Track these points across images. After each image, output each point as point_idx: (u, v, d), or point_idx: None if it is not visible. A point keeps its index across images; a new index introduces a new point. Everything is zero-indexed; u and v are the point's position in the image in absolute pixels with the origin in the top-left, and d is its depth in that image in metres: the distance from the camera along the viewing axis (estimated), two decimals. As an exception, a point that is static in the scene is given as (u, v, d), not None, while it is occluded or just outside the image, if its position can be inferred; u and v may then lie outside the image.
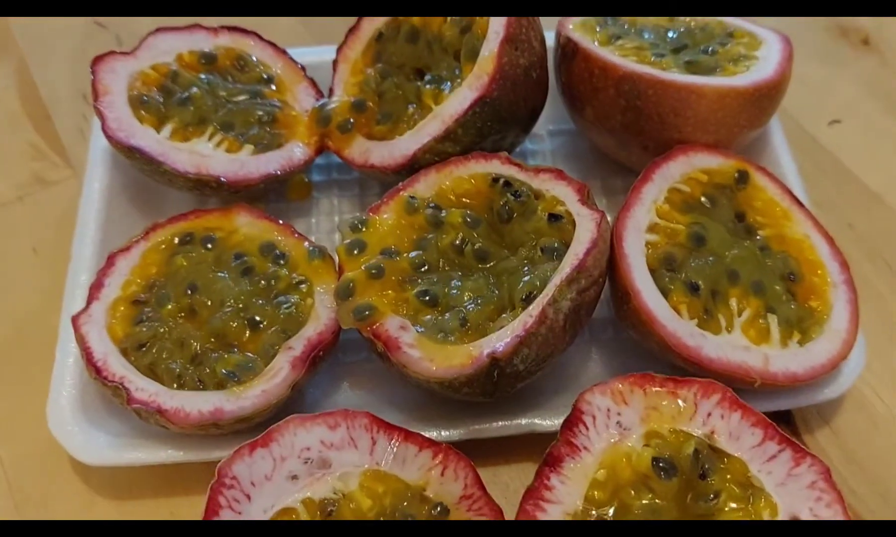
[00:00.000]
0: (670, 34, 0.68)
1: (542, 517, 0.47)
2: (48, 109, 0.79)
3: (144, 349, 0.55)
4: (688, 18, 0.69)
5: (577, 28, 0.67)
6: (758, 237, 0.60)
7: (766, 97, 0.62)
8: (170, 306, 0.57)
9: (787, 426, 0.61)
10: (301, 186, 0.70)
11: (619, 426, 0.49)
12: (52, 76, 0.81)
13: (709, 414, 0.49)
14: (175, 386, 0.54)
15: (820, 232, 0.61)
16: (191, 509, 0.57)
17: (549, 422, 0.56)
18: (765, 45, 0.66)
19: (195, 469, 0.58)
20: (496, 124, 0.61)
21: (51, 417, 0.55)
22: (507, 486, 0.58)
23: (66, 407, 0.55)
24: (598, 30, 0.67)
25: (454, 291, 0.55)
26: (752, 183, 0.61)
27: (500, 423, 0.56)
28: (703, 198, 0.60)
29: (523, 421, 0.56)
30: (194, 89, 0.65)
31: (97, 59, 0.64)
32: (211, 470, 0.48)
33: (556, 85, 0.69)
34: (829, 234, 0.61)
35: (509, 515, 0.50)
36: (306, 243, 0.60)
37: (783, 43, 0.66)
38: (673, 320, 0.54)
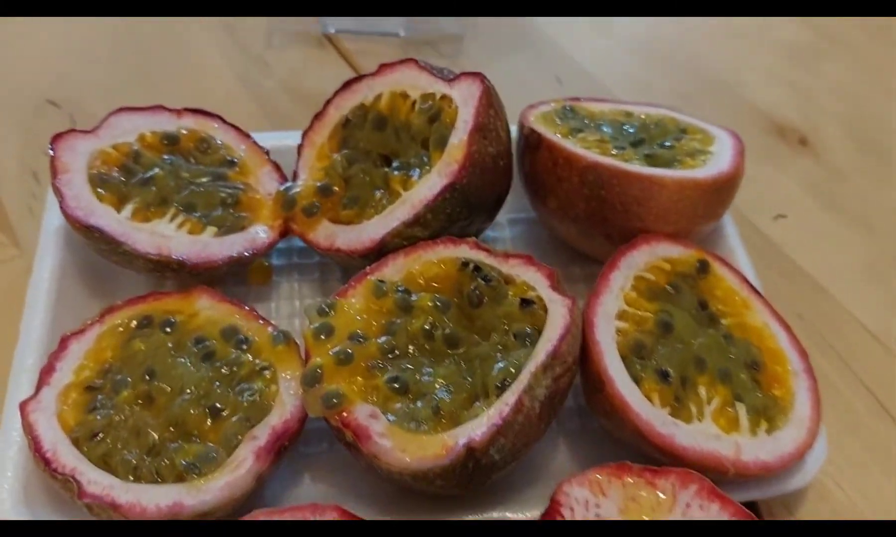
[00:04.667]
0: (626, 128, 0.70)
1: (521, 614, 0.45)
2: (-5, 187, 0.76)
3: (98, 439, 0.52)
4: (642, 113, 0.72)
5: (539, 120, 0.69)
6: (721, 324, 0.61)
7: (723, 189, 0.64)
8: (125, 393, 0.54)
9: (754, 515, 0.61)
10: (262, 270, 0.69)
11: (598, 518, 0.48)
12: (1, 155, 0.79)
13: (688, 505, 0.49)
14: (131, 478, 0.50)
15: (778, 321, 0.62)
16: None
17: (520, 516, 0.54)
18: (717, 141, 0.69)
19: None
20: (465, 210, 0.62)
21: (-11, 513, 0.51)
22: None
23: (7, 501, 0.51)
24: (558, 122, 0.69)
25: (426, 378, 0.54)
26: (712, 272, 0.63)
27: (470, 517, 0.54)
28: (667, 287, 0.61)
29: (495, 515, 0.55)
30: (156, 170, 0.64)
31: (57, 137, 0.62)
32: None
33: (517, 174, 0.70)
34: (787, 323, 0.63)
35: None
36: (270, 328, 0.59)
37: (734, 139, 0.69)
38: (646, 408, 0.54)
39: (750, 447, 0.55)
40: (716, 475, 0.53)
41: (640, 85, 0.97)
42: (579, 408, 0.64)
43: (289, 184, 0.67)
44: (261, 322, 0.59)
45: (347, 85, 0.69)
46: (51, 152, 0.61)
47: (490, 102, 0.62)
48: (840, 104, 0.96)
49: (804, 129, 0.93)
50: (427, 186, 0.61)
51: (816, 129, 0.93)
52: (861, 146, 0.92)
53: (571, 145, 0.64)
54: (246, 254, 0.63)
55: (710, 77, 0.99)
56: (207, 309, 0.59)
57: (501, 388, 0.52)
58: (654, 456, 0.54)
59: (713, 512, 0.48)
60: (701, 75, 0.99)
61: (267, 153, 0.70)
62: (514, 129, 0.69)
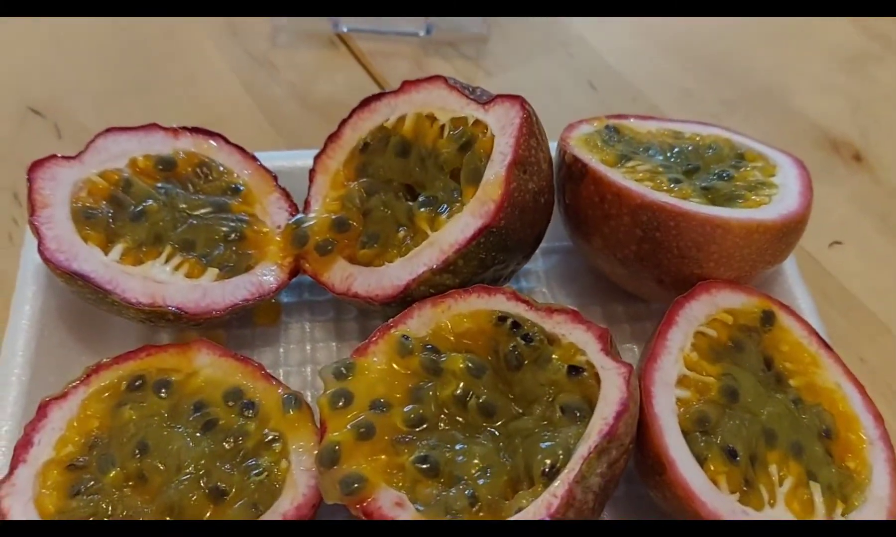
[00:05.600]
0: (678, 152, 0.62)
1: None
2: (-28, 209, 0.68)
3: (81, 530, 0.45)
4: (694, 135, 0.65)
5: (581, 144, 0.62)
6: (789, 385, 0.54)
7: (793, 231, 0.57)
8: (114, 473, 0.47)
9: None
10: (269, 310, 0.62)
11: None
12: (-22, 169, 0.71)
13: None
14: (119, 581, 0.44)
15: (850, 379, 0.55)
16: None
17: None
18: (780, 170, 0.61)
19: None
20: (500, 254, 0.54)
21: (-45, 616, 0.44)
22: None
23: (-24, 603, 0.44)
24: (601, 146, 0.62)
25: (459, 458, 0.47)
26: (777, 324, 0.56)
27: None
28: (729, 343, 0.54)
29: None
30: (149, 201, 0.56)
31: (35, 165, 0.54)
32: None
33: (556, 203, 0.62)
34: (859, 381, 0.55)
35: None
36: (280, 389, 0.52)
37: (799, 168, 0.61)
38: (713, 496, 0.47)
39: None
40: (792, 575, 0.46)
41: (681, 92, 0.89)
42: (626, 472, 0.57)
43: (300, 216, 0.59)
44: (270, 382, 0.52)
45: (366, 103, 0.61)
46: (28, 182, 0.54)
47: (531, 131, 0.55)
48: (896, 114, 0.88)
49: (858, 142, 0.85)
50: (459, 228, 0.53)
51: (871, 143, 0.85)
52: (921, 162, 0.84)
53: (621, 178, 0.57)
54: (251, 300, 0.56)
55: (754, 83, 0.90)
56: (207, 366, 0.52)
57: (548, 475, 0.45)
58: (719, 547, 0.47)
59: None
60: (744, 81, 0.90)
61: (275, 178, 0.62)
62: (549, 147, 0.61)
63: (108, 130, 0.58)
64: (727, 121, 0.81)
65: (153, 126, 0.60)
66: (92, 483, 0.47)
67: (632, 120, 0.66)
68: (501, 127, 0.55)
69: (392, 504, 0.45)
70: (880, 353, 0.69)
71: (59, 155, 0.56)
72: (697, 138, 0.65)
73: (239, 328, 0.61)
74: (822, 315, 0.62)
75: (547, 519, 0.43)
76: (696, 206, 0.55)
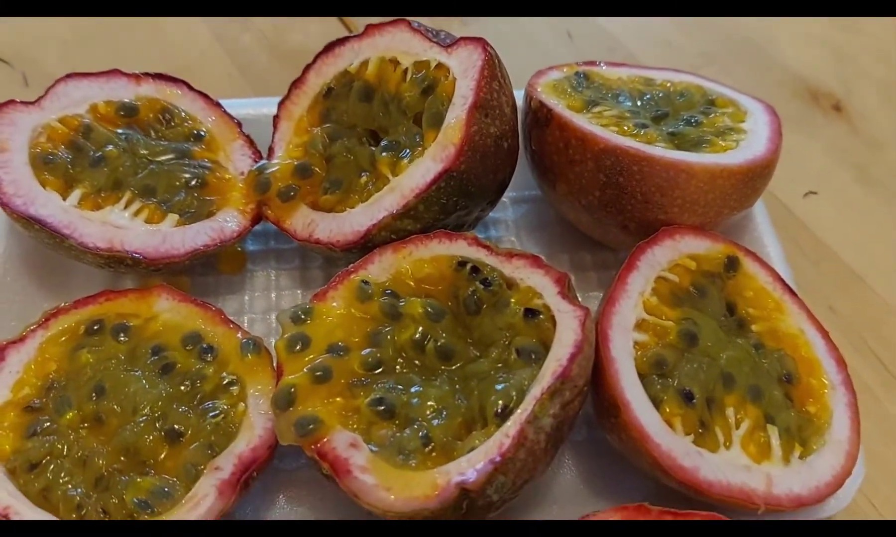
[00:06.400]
0: (647, 99, 0.62)
1: None
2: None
3: (37, 470, 0.45)
4: (665, 82, 0.64)
5: (549, 90, 0.61)
6: (751, 331, 0.54)
7: (758, 176, 0.56)
8: (70, 414, 0.47)
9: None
10: (234, 257, 0.62)
11: (609, 568, 0.42)
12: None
13: (713, 556, 0.42)
14: (74, 517, 0.44)
15: (814, 325, 0.55)
16: None
17: (521, 548, 0.48)
18: (750, 116, 0.61)
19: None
20: (462, 200, 0.54)
21: (-87, 554, 0.44)
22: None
23: (-67, 542, 0.45)
24: (569, 92, 0.61)
25: (414, 400, 0.47)
26: (741, 270, 0.56)
27: None
28: (692, 289, 0.54)
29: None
30: (109, 147, 0.56)
31: (-7, 109, 0.54)
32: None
33: (523, 150, 0.62)
34: (823, 327, 0.55)
35: None
36: (239, 334, 0.52)
37: (769, 115, 0.61)
38: (667, 437, 0.47)
39: (783, 479, 0.48)
40: (745, 510, 0.47)
41: (660, 42, 0.88)
42: (586, 417, 0.57)
43: (263, 162, 0.59)
44: (230, 327, 0.52)
45: (330, 48, 0.60)
46: (-14, 127, 0.53)
47: (493, 74, 0.54)
48: (879, 66, 0.87)
49: (839, 92, 0.84)
50: (419, 173, 0.53)
51: (852, 94, 0.84)
52: (901, 113, 0.83)
53: (586, 123, 0.56)
54: (211, 246, 0.55)
55: (735, 33, 0.89)
56: (167, 311, 0.52)
57: (501, 415, 0.45)
58: (675, 488, 0.48)
59: (744, 567, 0.42)
60: (726, 32, 0.89)
61: (239, 125, 0.62)
62: (519, 96, 0.60)
63: (69, 76, 0.58)
64: (705, 71, 0.80)
65: (115, 72, 0.59)
66: (48, 424, 0.47)
67: (603, 66, 0.65)
68: (463, 70, 0.54)
69: (347, 445, 0.45)
70: (853, 303, 0.69)
71: (19, 100, 0.55)
72: (669, 85, 0.64)
73: (203, 275, 0.61)
74: (793, 265, 0.62)
75: (498, 458, 0.43)
76: (661, 151, 0.54)
